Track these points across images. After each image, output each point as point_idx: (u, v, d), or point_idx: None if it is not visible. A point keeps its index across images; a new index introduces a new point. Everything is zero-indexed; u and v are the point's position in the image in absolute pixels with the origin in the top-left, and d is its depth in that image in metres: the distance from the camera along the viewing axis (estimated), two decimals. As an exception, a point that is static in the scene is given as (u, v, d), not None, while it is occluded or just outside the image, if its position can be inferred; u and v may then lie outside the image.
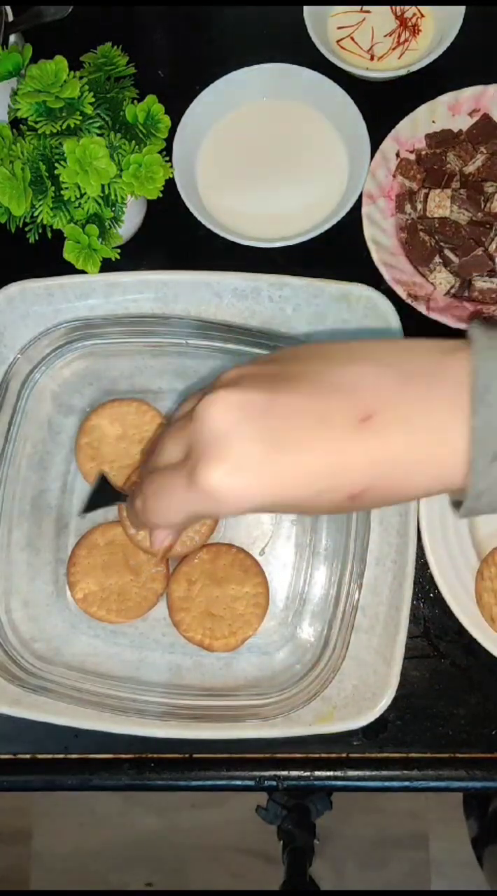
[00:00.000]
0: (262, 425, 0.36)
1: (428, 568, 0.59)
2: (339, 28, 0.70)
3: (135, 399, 0.64)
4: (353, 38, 0.70)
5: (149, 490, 0.42)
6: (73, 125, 0.56)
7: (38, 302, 0.61)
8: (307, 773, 0.60)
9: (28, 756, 0.61)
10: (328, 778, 0.60)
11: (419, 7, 0.70)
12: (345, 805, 1.38)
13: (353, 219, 0.64)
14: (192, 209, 0.65)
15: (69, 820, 1.46)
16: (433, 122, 0.66)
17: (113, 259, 0.60)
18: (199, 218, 0.64)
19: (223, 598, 0.61)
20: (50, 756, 0.61)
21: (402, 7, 0.70)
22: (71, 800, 1.45)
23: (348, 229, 0.64)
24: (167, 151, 0.60)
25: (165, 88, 0.63)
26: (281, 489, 0.36)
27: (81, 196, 0.57)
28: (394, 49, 0.70)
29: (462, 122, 0.66)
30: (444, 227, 0.63)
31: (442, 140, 0.65)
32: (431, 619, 0.61)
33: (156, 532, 0.47)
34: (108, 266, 0.60)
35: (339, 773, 0.60)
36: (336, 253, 0.64)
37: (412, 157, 0.66)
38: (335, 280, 0.60)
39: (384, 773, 0.59)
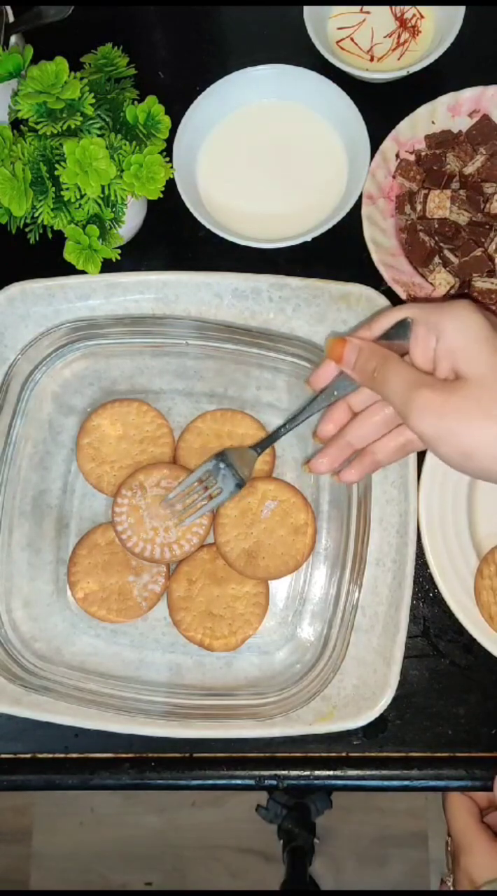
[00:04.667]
0: None
1: (428, 568, 0.59)
2: (339, 29, 0.70)
3: (135, 399, 0.64)
4: (352, 39, 0.70)
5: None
6: (73, 126, 0.56)
7: (39, 302, 0.61)
8: (307, 773, 0.60)
9: (28, 755, 0.61)
10: (328, 777, 0.60)
11: (419, 8, 0.70)
12: (345, 804, 1.38)
13: (353, 219, 0.64)
14: (192, 209, 0.65)
15: (69, 820, 1.45)
16: (433, 122, 0.66)
17: (113, 259, 0.60)
18: (199, 218, 0.64)
19: (223, 597, 0.61)
20: (50, 755, 0.61)
21: (401, 8, 0.70)
22: (71, 799, 1.45)
23: (348, 230, 0.64)
24: (167, 152, 0.60)
25: (166, 89, 0.63)
26: None
27: (82, 197, 0.57)
28: (393, 50, 0.70)
29: (461, 123, 0.66)
30: (444, 228, 0.63)
31: (441, 141, 0.65)
32: (431, 619, 0.62)
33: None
34: (108, 266, 0.60)
35: (338, 773, 0.60)
36: (336, 253, 0.64)
37: (412, 157, 0.66)
38: (335, 280, 0.60)
39: (384, 772, 0.60)
